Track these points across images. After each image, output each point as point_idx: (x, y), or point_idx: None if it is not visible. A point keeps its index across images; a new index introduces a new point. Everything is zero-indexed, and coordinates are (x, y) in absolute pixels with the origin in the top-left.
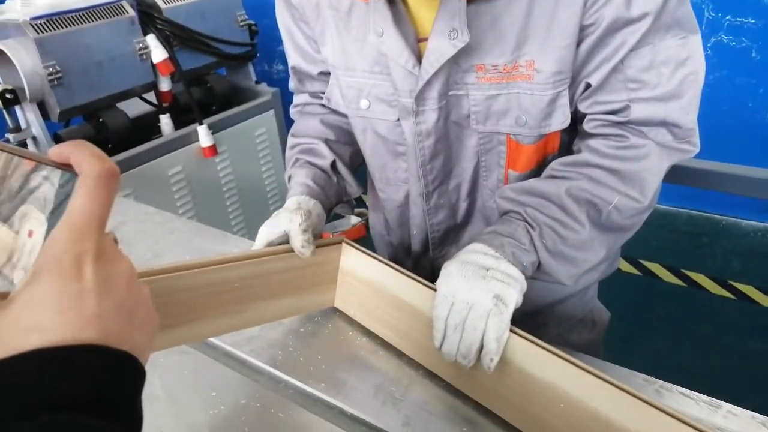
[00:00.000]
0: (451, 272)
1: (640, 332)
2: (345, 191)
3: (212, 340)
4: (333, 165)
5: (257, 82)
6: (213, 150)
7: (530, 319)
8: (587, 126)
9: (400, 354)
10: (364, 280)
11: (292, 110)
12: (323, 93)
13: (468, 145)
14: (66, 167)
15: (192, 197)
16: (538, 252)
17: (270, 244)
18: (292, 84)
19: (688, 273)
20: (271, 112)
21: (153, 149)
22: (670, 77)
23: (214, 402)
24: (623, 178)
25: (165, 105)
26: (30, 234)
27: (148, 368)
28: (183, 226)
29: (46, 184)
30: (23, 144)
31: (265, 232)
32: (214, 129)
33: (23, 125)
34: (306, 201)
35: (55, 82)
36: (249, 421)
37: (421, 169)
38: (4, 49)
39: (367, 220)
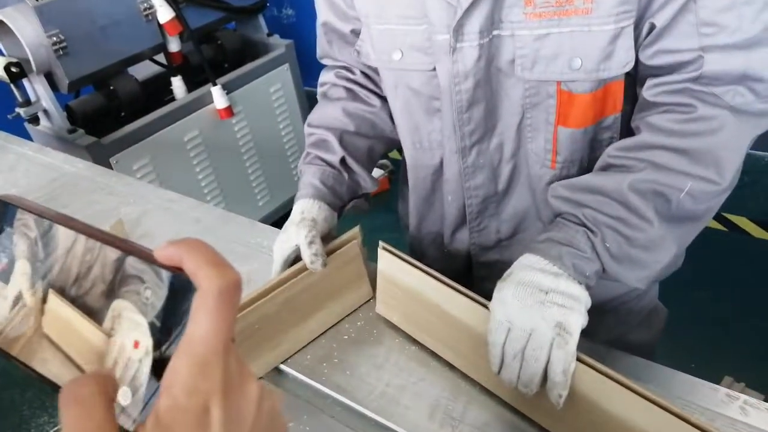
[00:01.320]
0: (505, 297)
1: (680, 281)
2: (359, 186)
3: None
4: (342, 161)
5: (269, 35)
6: (229, 111)
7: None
8: (648, 93)
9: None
10: (406, 288)
11: (318, 92)
12: (350, 69)
13: (512, 96)
14: (175, 270)
15: (211, 162)
16: (601, 258)
17: (287, 260)
18: (319, 48)
19: (729, 216)
20: (286, 66)
21: (167, 115)
22: (753, 20)
23: None
24: (694, 158)
25: (175, 66)
26: (136, 345)
27: None
28: (207, 214)
29: (147, 278)
30: (35, 119)
31: (279, 249)
32: (228, 89)
33: (33, 98)
34: (309, 207)
35: (61, 52)
36: None
37: (457, 119)
38: (4, 19)
39: (390, 171)
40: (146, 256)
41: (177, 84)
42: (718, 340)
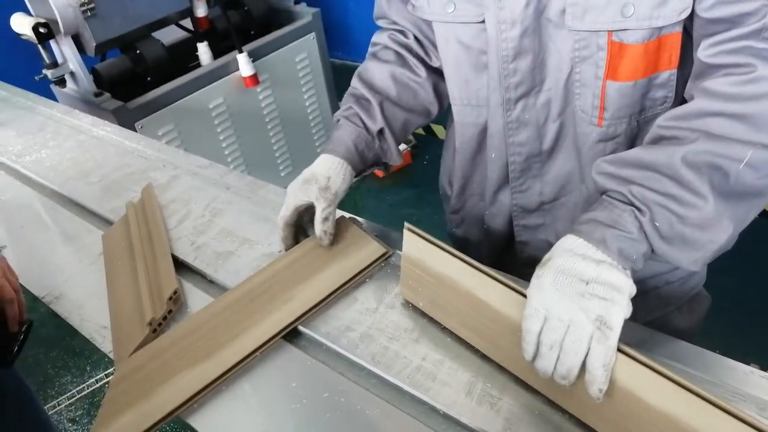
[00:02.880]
0: (544, 284)
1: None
2: (385, 155)
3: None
4: (380, 131)
5: (296, 2)
6: (254, 79)
7: None
8: (704, 54)
9: None
10: (433, 273)
11: (369, 51)
12: (404, 33)
13: (562, 49)
14: None
15: (234, 130)
16: (649, 239)
17: (297, 209)
18: (377, 8)
19: None
20: (312, 35)
21: (193, 81)
22: None
23: (296, 395)
24: (754, 123)
25: (201, 32)
26: None
27: None
28: (238, 180)
29: None
30: (61, 80)
31: (294, 199)
32: (253, 56)
33: (60, 60)
34: (337, 174)
35: (89, 14)
36: (334, 419)
37: (502, 69)
38: None
39: (413, 146)
40: None
41: (203, 50)
42: (742, 326)
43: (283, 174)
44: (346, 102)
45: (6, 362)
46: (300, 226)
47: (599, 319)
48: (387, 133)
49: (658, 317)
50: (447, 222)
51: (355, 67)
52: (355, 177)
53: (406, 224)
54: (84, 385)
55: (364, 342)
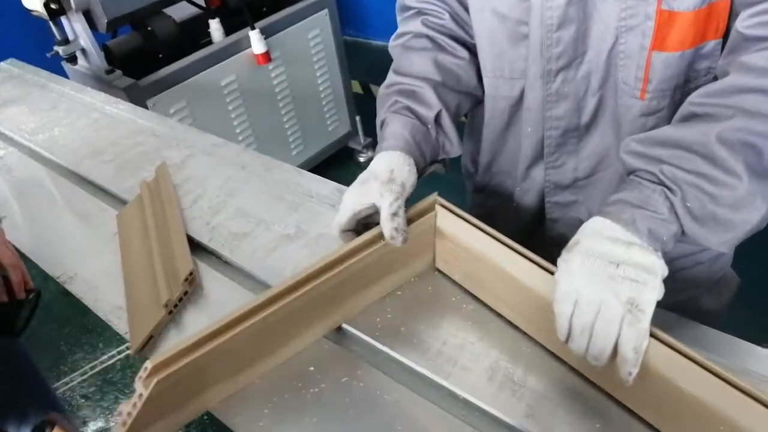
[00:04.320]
0: (572, 268)
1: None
2: (443, 149)
3: None
4: (437, 117)
5: None
6: (266, 57)
7: None
8: (744, 25)
9: (513, 327)
10: (467, 248)
11: (392, 44)
12: (438, 15)
13: (606, 19)
14: None
15: (246, 108)
16: (680, 220)
17: (356, 215)
18: None
19: None
20: (325, 12)
21: (204, 59)
22: None
23: (314, 379)
24: None
25: (213, 8)
26: None
27: None
28: (252, 160)
29: None
30: (73, 57)
31: (352, 202)
32: (265, 33)
33: (71, 37)
34: (399, 165)
35: None
36: (353, 404)
37: (545, 39)
38: None
39: None
40: None
41: (215, 27)
42: (758, 305)
43: (294, 153)
44: (385, 100)
45: (15, 331)
46: (360, 233)
47: (630, 302)
48: (445, 118)
49: (687, 298)
50: (469, 200)
51: (368, 45)
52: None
53: (437, 198)
54: (97, 361)
55: (383, 325)
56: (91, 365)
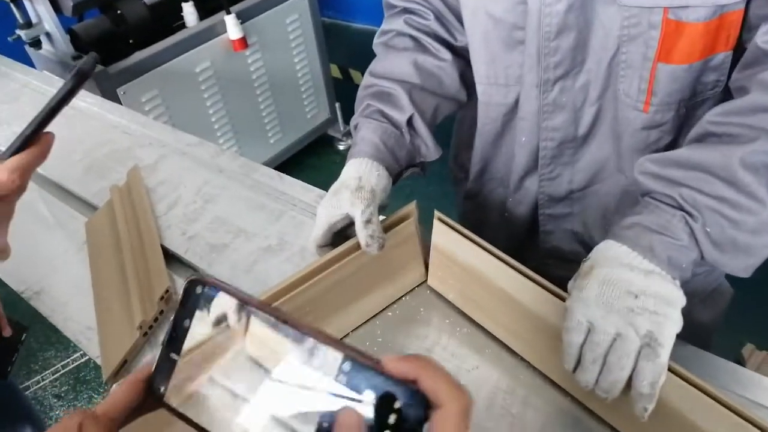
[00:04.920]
0: (588, 297)
1: None
2: (419, 152)
3: None
4: (410, 120)
5: None
6: (243, 42)
7: None
8: (762, 40)
9: (510, 354)
10: (464, 265)
11: (376, 42)
12: (422, 14)
13: (608, 26)
14: (405, 382)
15: (222, 96)
16: (700, 246)
17: (332, 228)
18: None
19: None
20: None
21: (178, 44)
22: None
23: None
24: None
25: None
26: None
27: None
28: (230, 162)
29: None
30: (37, 42)
31: (325, 215)
32: (242, 18)
33: (34, 20)
34: (368, 172)
35: None
36: None
37: (543, 47)
38: None
39: None
40: (373, 365)
41: (188, 10)
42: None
43: (272, 141)
44: (360, 103)
45: (2, 374)
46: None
47: (649, 335)
48: (418, 122)
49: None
50: (458, 206)
51: (348, 27)
52: (393, 183)
53: (436, 213)
54: (69, 359)
55: (372, 350)
56: (62, 363)
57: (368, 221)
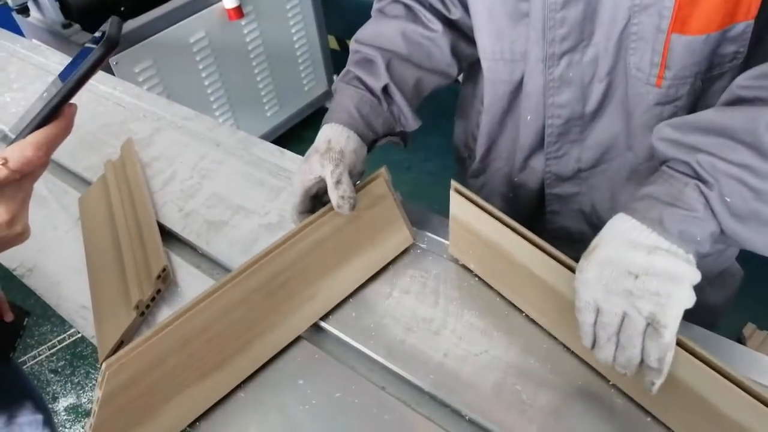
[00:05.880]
0: (589, 279)
1: None
2: (398, 121)
3: None
4: (385, 89)
5: None
6: (238, 12)
7: None
8: None
9: (519, 338)
10: (482, 236)
11: (374, 8)
12: None
13: None
14: None
15: (217, 67)
16: (717, 217)
17: (308, 192)
18: None
19: None
20: None
21: (172, 13)
22: None
23: (304, 394)
24: None
25: None
26: None
27: None
28: (228, 136)
29: None
30: (24, 8)
31: (299, 180)
32: None
33: None
34: (337, 136)
35: None
36: (348, 424)
37: (548, 18)
38: None
39: None
40: None
41: None
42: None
43: (269, 114)
44: (345, 70)
45: (6, 358)
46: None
47: (651, 317)
48: (394, 91)
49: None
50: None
51: None
52: (369, 150)
53: (453, 183)
54: (65, 335)
55: (377, 332)
56: (59, 338)
57: (338, 182)
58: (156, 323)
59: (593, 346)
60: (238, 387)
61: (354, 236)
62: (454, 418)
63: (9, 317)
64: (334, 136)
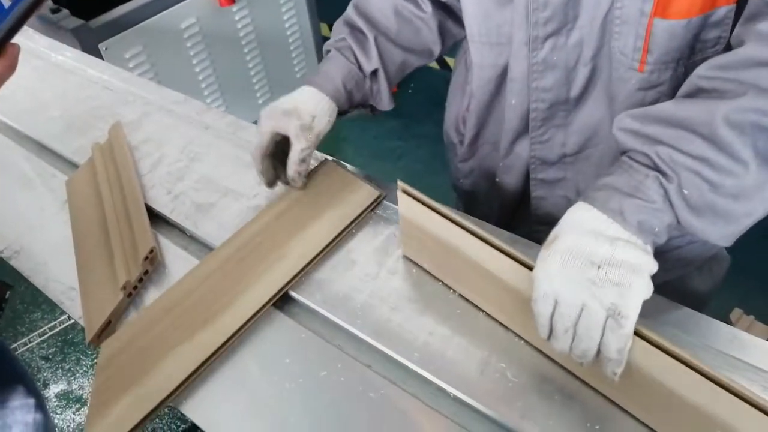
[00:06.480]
0: (550, 269)
1: None
2: (375, 100)
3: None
4: (374, 73)
5: None
6: None
7: None
8: None
9: (489, 321)
10: (433, 237)
11: None
12: None
13: None
14: None
15: (209, 54)
16: (675, 210)
17: (273, 139)
18: None
19: None
20: None
21: None
22: None
23: (290, 372)
24: None
25: None
26: None
27: None
28: (217, 120)
29: None
30: None
31: (270, 126)
32: None
33: None
34: (322, 115)
35: None
36: (334, 401)
37: (531, 2)
38: None
39: None
40: None
41: None
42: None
43: (260, 102)
44: (339, 32)
45: None
46: (277, 156)
47: (612, 308)
48: (381, 75)
49: (676, 278)
50: (452, 172)
51: None
52: (338, 116)
53: (399, 184)
54: (56, 321)
55: (364, 312)
56: (50, 325)
57: (303, 160)
58: (143, 304)
59: (549, 337)
60: (226, 365)
61: (315, 201)
62: (440, 395)
63: None
64: (319, 115)
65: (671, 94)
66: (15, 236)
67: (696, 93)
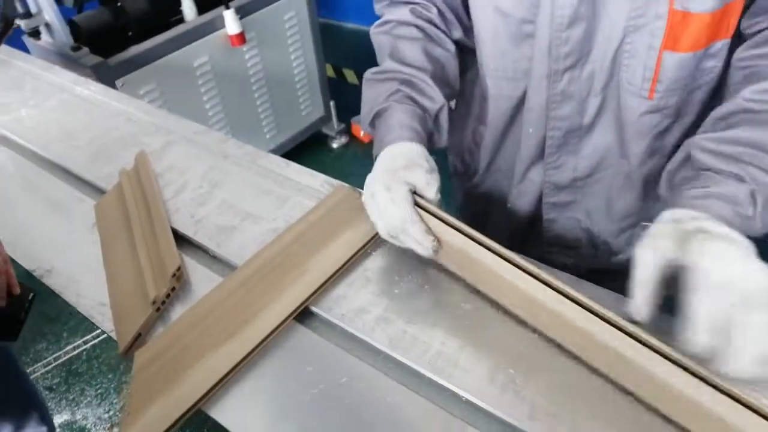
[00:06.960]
0: (719, 252)
1: None
2: (431, 140)
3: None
4: (439, 110)
5: None
6: (241, 38)
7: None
8: None
9: (514, 328)
10: (459, 250)
11: (375, 31)
12: (426, 6)
13: (614, 17)
14: None
15: (219, 90)
16: (757, 218)
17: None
18: None
19: None
20: None
21: (176, 38)
22: None
23: (311, 379)
24: None
25: None
26: None
27: None
28: (236, 149)
29: None
30: (36, 32)
31: (406, 192)
32: (240, 13)
33: (34, 10)
34: (428, 157)
35: None
36: (354, 405)
37: (555, 38)
38: None
39: None
40: None
41: (187, 4)
42: None
43: (267, 136)
44: (382, 86)
45: (12, 333)
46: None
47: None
48: (444, 113)
49: None
50: (457, 199)
51: (341, 27)
52: None
53: (415, 198)
54: (61, 352)
55: (380, 325)
56: (54, 356)
57: (426, 231)
58: (170, 319)
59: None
60: (251, 374)
61: (332, 223)
62: (453, 400)
63: (17, 290)
64: (429, 157)
65: (674, 116)
66: (46, 257)
67: (743, 113)
